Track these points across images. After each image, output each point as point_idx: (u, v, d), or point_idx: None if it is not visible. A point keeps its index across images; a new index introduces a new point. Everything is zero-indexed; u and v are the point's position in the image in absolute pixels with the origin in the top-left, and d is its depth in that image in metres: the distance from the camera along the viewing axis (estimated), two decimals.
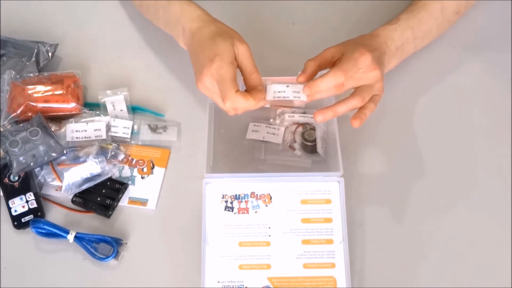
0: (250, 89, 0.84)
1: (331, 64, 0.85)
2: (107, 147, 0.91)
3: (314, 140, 0.91)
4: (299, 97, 0.86)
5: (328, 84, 0.81)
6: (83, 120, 0.93)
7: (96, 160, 0.88)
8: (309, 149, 0.91)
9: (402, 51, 0.92)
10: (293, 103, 0.90)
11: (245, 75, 0.84)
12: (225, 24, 0.88)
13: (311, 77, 0.84)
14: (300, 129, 0.93)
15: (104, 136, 0.92)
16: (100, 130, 0.92)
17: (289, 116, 0.94)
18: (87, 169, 0.88)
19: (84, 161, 0.88)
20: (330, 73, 0.81)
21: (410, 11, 0.94)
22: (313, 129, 0.92)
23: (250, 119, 0.94)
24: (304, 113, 0.94)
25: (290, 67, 0.95)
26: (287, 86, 0.87)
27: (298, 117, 0.94)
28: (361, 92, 0.83)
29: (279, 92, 0.87)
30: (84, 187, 0.88)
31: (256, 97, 0.81)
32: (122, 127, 0.93)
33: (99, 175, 0.89)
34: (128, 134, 0.93)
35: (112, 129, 0.93)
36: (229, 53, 0.82)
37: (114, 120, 0.93)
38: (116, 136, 0.93)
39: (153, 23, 0.99)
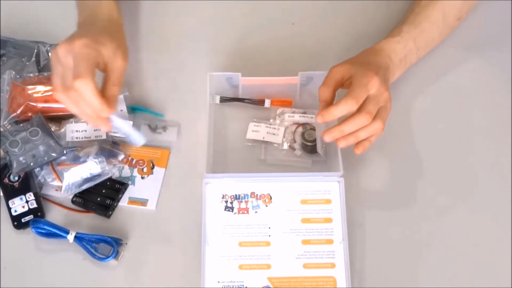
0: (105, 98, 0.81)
1: (342, 84, 0.85)
2: (107, 147, 0.91)
3: (314, 140, 0.91)
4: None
5: (342, 111, 0.80)
6: (83, 120, 0.92)
7: (96, 160, 0.88)
8: (309, 149, 0.91)
9: (405, 62, 0.93)
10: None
11: (107, 84, 0.82)
12: (124, 38, 0.88)
13: (330, 104, 0.84)
14: (300, 129, 0.93)
15: (104, 136, 0.92)
16: (100, 130, 0.92)
17: (289, 116, 0.94)
18: (87, 169, 0.88)
19: (84, 161, 0.88)
20: (343, 101, 0.80)
21: (412, 21, 0.94)
22: (313, 129, 0.92)
23: (250, 119, 0.94)
24: (304, 113, 0.94)
25: (290, 67, 0.95)
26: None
27: (298, 117, 0.94)
28: (381, 115, 0.83)
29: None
30: (84, 187, 0.88)
31: (104, 106, 0.78)
32: None
33: (99, 175, 0.89)
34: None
35: (112, 129, 0.93)
36: (102, 46, 0.80)
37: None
38: (116, 136, 0.93)
39: None
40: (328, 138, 0.82)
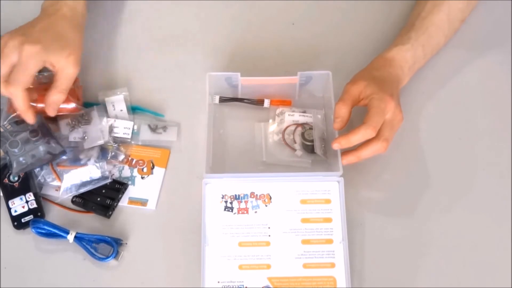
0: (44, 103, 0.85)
1: (358, 102, 0.86)
2: (107, 147, 0.91)
3: (313, 141, 0.91)
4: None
5: (360, 139, 0.82)
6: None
7: (97, 164, 0.88)
8: (309, 149, 0.91)
9: (414, 69, 0.93)
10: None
11: (52, 90, 0.85)
12: (81, 37, 0.90)
13: (347, 122, 0.85)
14: (299, 129, 0.93)
15: (106, 138, 0.92)
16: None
17: (289, 115, 0.93)
18: (87, 173, 0.88)
19: (85, 164, 0.88)
20: (362, 129, 0.82)
21: (419, 27, 0.94)
22: (312, 128, 0.92)
23: (249, 119, 0.94)
24: (304, 112, 0.94)
25: (289, 67, 0.95)
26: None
27: (297, 116, 0.93)
28: (388, 138, 0.84)
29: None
30: (83, 190, 0.88)
31: (30, 115, 0.84)
32: (123, 128, 0.93)
33: (98, 179, 0.88)
34: (129, 134, 0.93)
35: (113, 129, 0.93)
36: (52, 55, 0.82)
37: (115, 120, 0.93)
38: (117, 137, 0.93)
39: None
40: (345, 161, 0.85)
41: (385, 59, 0.91)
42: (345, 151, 0.85)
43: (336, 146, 0.83)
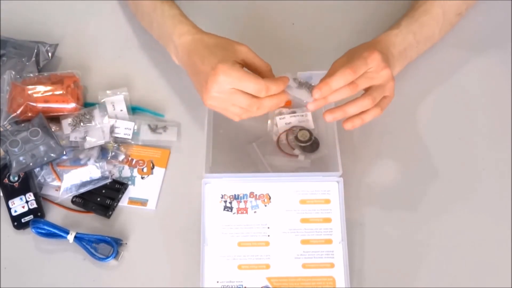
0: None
1: None
2: (107, 147, 0.92)
3: (309, 140, 0.90)
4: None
5: (339, 83, 0.78)
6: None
7: (97, 164, 0.88)
8: (307, 149, 0.91)
9: (405, 56, 0.92)
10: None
11: (262, 72, 0.83)
12: (216, 35, 0.87)
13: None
14: (291, 133, 0.92)
15: (107, 138, 0.92)
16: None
17: (280, 119, 0.93)
18: (87, 173, 0.88)
19: (85, 164, 0.88)
20: (340, 71, 0.78)
21: (411, 16, 0.94)
22: (303, 129, 0.92)
23: (249, 120, 0.94)
24: (294, 112, 0.93)
25: (290, 67, 0.95)
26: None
27: (289, 118, 0.93)
28: (372, 93, 0.81)
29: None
30: (83, 190, 0.88)
31: (282, 80, 0.81)
32: (124, 128, 0.93)
33: (98, 179, 0.89)
34: (129, 135, 0.93)
35: (115, 130, 0.93)
36: (231, 56, 0.81)
37: (116, 121, 0.93)
38: (117, 137, 0.93)
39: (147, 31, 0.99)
40: (329, 117, 0.81)
41: (372, 41, 0.90)
42: (330, 108, 0.82)
43: (317, 93, 0.79)
